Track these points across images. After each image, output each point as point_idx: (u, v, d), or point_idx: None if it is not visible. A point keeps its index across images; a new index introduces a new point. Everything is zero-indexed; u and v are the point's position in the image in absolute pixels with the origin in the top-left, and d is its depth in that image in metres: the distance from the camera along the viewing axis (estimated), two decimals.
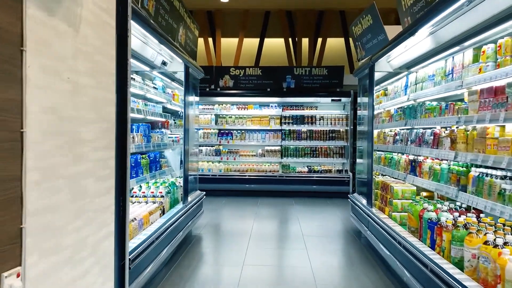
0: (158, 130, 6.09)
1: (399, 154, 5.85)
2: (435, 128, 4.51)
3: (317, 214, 7.85)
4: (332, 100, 9.77)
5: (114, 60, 2.56)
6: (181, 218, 4.98)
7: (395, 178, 5.59)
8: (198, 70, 6.22)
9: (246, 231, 6.35)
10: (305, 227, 6.64)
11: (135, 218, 3.77)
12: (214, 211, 7.96)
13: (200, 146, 10.12)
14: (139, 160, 4.88)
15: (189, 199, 5.72)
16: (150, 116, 5.24)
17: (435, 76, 4.53)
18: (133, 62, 4.91)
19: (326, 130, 9.91)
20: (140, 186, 5.02)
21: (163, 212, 4.71)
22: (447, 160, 4.16)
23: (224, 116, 10.01)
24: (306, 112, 9.98)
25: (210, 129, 10.11)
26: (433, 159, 4.72)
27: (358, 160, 6.58)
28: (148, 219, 4.12)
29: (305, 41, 10.60)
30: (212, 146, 10.06)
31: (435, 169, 4.29)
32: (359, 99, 6.57)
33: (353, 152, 10.36)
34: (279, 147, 9.93)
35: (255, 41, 10.58)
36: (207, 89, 9.84)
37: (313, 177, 9.57)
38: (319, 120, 9.91)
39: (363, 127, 6.13)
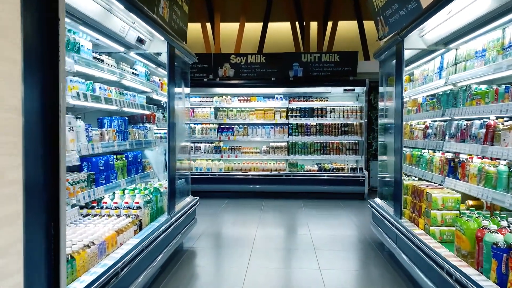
0: (141, 125, 5.12)
1: (431, 151, 4.84)
2: (487, 119, 3.49)
3: (330, 220, 6.86)
4: (344, 90, 8.75)
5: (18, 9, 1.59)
6: (164, 234, 4.02)
7: (428, 181, 4.58)
8: (189, 54, 5.24)
9: (247, 242, 5.38)
10: (317, 237, 5.66)
11: (92, 243, 2.81)
12: (212, 217, 7.00)
13: (198, 142, 9.16)
14: (111, 162, 3.92)
15: (177, 207, 4.76)
16: (128, 107, 4.28)
17: (486, 51, 3.51)
18: (101, 40, 3.93)
19: (338, 124, 8.90)
20: (113, 195, 4.06)
21: (139, 228, 3.75)
22: (506, 160, 3.15)
23: (224, 109, 9.03)
24: (316, 104, 8.97)
25: (208, 124, 9.14)
26: (481, 158, 3.71)
27: (380, 158, 5.56)
28: (114, 241, 3.16)
29: (313, 25, 9.56)
30: (211, 143, 9.10)
31: (489, 172, 3.28)
32: (381, 89, 5.56)
33: (368, 148, 9.35)
34: (286, 143, 8.94)
35: (258, 26, 9.57)
36: (205, 79, 8.86)
37: (323, 176, 8.57)
38: (330, 112, 8.90)
39: (387, 120, 5.13)
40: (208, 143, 9.13)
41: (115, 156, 4.10)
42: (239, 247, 5.25)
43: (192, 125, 9.09)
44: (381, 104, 5.57)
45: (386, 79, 5.30)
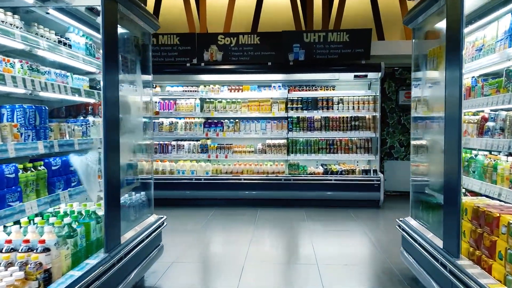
0: (81, 118, 3.68)
1: (490, 153, 3.42)
2: None
3: (340, 237, 5.43)
4: (355, 76, 7.28)
5: None
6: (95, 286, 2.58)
7: (491, 198, 3.16)
8: (147, 18, 3.79)
9: (233, 273, 3.95)
10: (325, 266, 4.22)
11: None
12: (191, 235, 5.57)
13: (180, 140, 7.72)
14: (7, 175, 2.49)
15: (128, 236, 3.33)
16: (46, 91, 2.83)
17: None
18: None
19: (347, 117, 7.46)
20: (5, 227, 2.63)
21: (46, 284, 2.32)
22: None
23: (211, 100, 7.58)
24: (320, 93, 7.51)
25: (193, 118, 7.70)
26: None
27: (415, 161, 4.12)
28: None
29: None
30: (196, 141, 7.65)
31: None
32: (414, 75, 4.11)
33: (381, 146, 7.92)
34: (285, 141, 7.50)
35: (251, 0, 8.09)
36: (188, 65, 7.38)
37: (330, 179, 7.13)
38: (338, 104, 7.45)
39: (427, 111, 3.69)
40: (193, 140, 7.69)
41: (23, 165, 2.66)
42: (222, 280, 3.83)
43: (173, 120, 7.64)
44: (415, 92, 4.12)
45: (424, 56, 3.85)
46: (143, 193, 4.01)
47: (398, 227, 4.03)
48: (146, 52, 4.11)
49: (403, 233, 3.87)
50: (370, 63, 7.29)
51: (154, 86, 7.80)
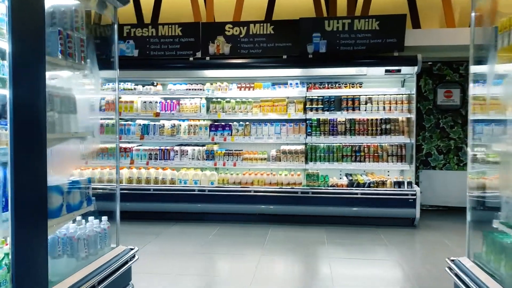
0: None
1: None
2: None
3: (366, 268, 4.35)
4: (386, 71, 6.17)
5: None
6: None
7: None
8: None
9: None
10: None
11: None
12: (187, 259, 4.61)
13: (184, 145, 6.79)
14: None
15: (70, 282, 2.37)
16: None
17: None
18: None
19: (376, 120, 6.35)
20: None
21: None
22: None
23: (218, 100, 6.62)
24: (345, 91, 6.44)
25: (198, 120, 6.75)
26: None
27: (478, 175, 3.01)
28: None
29: None
30: (201, 146, 6.70)
31: None
32: (474, 69, 3.01)
33: (416, 153, 6.77)
34: (303, 147, 6.46)
35: None
36: (191, 58, 6.42)
37: (356, 193, 6.04)
38: (366, 103, 6.36)
39: (498, 112, 2.60)
40: (198, 146, 6.75)
41: None
42: None
43: (176, 122, 6.72)
44: (476, 90, 3.03)
45: (491, 38, 2.75)
46: (104, 219, 3.05)
47: (448, 270, 2.93)
48: (108, 34, 3.17)
49: (457, 280, 2.77)
50: (404, 56, 6.15)
51: (155, 84, 6.91)
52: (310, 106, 6.40)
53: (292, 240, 5.36)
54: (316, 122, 6.39)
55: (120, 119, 6.90)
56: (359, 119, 6.39)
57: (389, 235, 5.56)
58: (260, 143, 6.64)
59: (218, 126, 6.61)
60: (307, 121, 6.40)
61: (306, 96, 6.41)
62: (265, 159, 6.46)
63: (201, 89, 6.68)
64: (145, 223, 6.15)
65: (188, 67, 6.43)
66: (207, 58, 6.38)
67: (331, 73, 6.36)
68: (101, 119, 6.87)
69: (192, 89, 6.70)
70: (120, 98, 6.82)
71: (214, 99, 6.67)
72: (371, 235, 5.58)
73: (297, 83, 6.51)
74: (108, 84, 6.82)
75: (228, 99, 6.61)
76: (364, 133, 6.38)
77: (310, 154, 6.38)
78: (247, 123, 6.54)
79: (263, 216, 6.19)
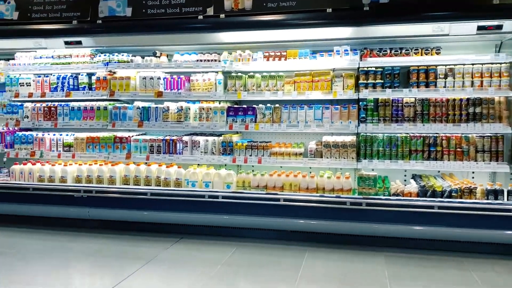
0: None
1: None
2: None
3: None
4: (479, 28, 4.20)
5: None
6: None
7: None
8: None
9: None
10: None
11: None
12: None
13: (194, 135, 5.19)
14: None
15: None
16: None
17: None
18: None
19: (461, 101, 4.44)
20: None
21: None
22: None
23: (239, 75, 4.94)
24: (415, 60, 4.55)
25: (212, 101, 5.11)
26: None
27: None
28: None
29: None
30: (217, 136, 5.06)
31: None
32: None
33: None
34: (353, 138, 4.67)
35: None
36: (200, 17, 4.71)
37: (431, 206, 4.18)
38: (445, 77, 4.47)
39: None
40: (211, 135, 5.11)
41: None
42: None
43: (183, 104, 5.11)
44: None
45: None
46: None
47: None
48: None
49: None
50: (504, 4, 4.14)
51: (158, 55, 5.30)
52: (365, 82, 4.58)
53: (336, 276, 3.62)
54: (373, 103, 4.56)
55: (114, 100, 5.38)
56: (436, 99, 4.49)
57: (482, 271, 3.69)
58: (294, 133, 4.94)
59: (238, 109, 4.93)
60: (360, 103, 4.59)
61: (359, 68, 4.59)
62: (300, 154, 4.71)
63: (216, 60, 5.01)
64: (139, 239, 4.64)
65: (195, 28, 4.74)
66: (222, 15, 4.64)
67: (396, 33, 4.45)
68: (91, 100, 5.42)
69: (205, 60, 5.05)
70: (114, 72, 5.30)
71: (233, 73, 4.99)
72: (454, 270, 3.74)
73: (346, 50, 4.68)
74: (100, 56, 5.38)
75: (251, 73, 4.91)
76: (442, 120, 4.49)
77: (364, 148, 4.56)
78: (277, 105, 4.82)
79: (297, 234, 4.49)
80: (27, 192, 5.06)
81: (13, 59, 5.58)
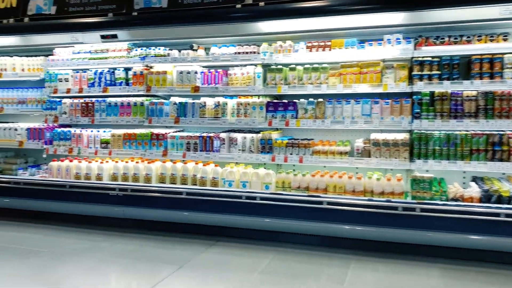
0: None
1: None
2: None
3: None
4: None
5: None
6: None
7: None
8: None
9: None
10: None
11: None
12: None
13: (231, 131, 4.92)
14: None
15: None
16: None
17: None
18: None
19: None
20: None
21: None
22: None
23: (279, 67, 4.61)
24: (478, 47, 4.02)
25: (250, 96, 4.82)
26: None
27: None
28: None
29: None
30: (255, 133, 4.76)
31: None
32: None
33: None
34: (406, 135, 4.22)
35: None
36: (238, 6, 4.40)
37: (496, 213, 3.68)
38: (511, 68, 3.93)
39: None
40: (248, 132, 4.82)
41: None
42: None
43: (221, 100, 4.85)
44: None
45: None
46: None
47: None
48: None
49: None
50: None
51: (195, 48, 5.07)
52: (420, 73, 4.11)
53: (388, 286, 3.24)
54: (428, 97, 4.09)
55: (151, 96, 5.21)
56: (502, 92, 3.95)
57: None
58: (339, 130, 4.56)
59: (278, 104, 4.61)
60: (414, 97, 4.13)
61: (413, 58, 4.14)
62: (346, 153, 4.32)
63: (255, 52, 4.71)
64: (173, 240, 4.44)
65: (234, 18, 4.45)
66: (261, 3, 4.32)
67: (456, 17, 3.94)
68: (128, 95, 5.28)
69: (243, 52, 4.76)
70: (150, 67, 5.12)
71: (273, 66, 4.67)
72: None
73: (398, 38, 4.23)
74: (137, 50, 5.22)
75: (292, 66, 4.57)
76: (509, 115, 3.95)
77: (419, 147, 4.10)
78: (320, 99, 4.45)
79: (341, 241, 4.11)
80: (64, 190, 4.99)
81: (52, 55, 5.54)
